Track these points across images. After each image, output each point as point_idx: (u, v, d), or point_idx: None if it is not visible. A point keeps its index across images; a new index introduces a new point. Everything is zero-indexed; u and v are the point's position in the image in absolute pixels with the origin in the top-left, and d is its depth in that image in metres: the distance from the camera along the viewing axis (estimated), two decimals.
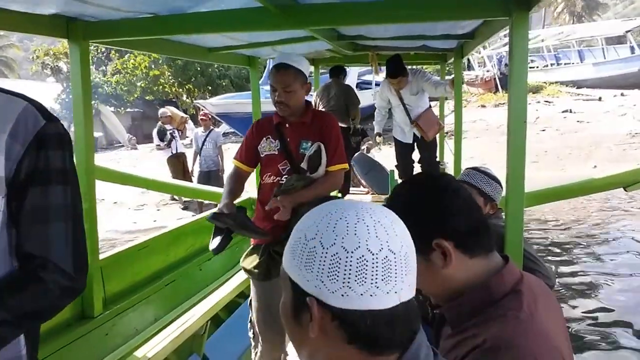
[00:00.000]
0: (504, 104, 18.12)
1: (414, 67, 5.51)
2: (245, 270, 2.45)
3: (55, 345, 2.36)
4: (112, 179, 3.41)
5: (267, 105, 5.31)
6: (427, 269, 0.99)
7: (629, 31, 22.12)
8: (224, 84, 19.49)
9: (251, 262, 2.40)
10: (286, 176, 2.33)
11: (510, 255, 1.08)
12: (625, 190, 3.46)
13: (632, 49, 21.64)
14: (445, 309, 1.03)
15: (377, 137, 5.77)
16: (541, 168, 10.92)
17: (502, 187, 2.15)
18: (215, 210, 2.29)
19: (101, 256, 2.78)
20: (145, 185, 4.59)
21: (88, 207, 2.40)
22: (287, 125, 2.37)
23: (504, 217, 2.07)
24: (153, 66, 19.83)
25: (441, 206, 1.01)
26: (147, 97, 21.14)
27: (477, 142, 13.09)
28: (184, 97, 20.29)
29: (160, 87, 20.14)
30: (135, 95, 20.82)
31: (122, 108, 21.96)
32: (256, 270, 2.36)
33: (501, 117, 14.54)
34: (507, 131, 2.00)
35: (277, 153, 2.36)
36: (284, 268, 0.69)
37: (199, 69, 19.33)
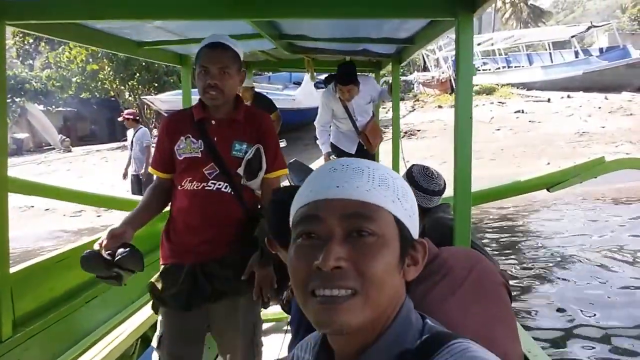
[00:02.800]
0: None
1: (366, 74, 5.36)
2: (156, 296, 2.08)
3: None
4: (28, 192, 3.17)
5: None
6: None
7: (573, 36, 23.63)
8: (171, 80, 18.80)
9: (167, 286, 2.04)
10: (214, 182, 2.02)
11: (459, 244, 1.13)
12: (549, 191, 3.75)
13: (576, 53, 23.12)
14: None
15: (329, 157, 5.02)
16: (498, 166, 11.43)
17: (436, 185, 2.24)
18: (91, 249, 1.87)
19: (11, 270, 2.56)
20: (57, 196, 4.16)
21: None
22: (212, 122, 2.06)
23: (450, 210, 2.21)
24: (91, 60, 18.78)
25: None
26: (82, 95, 20.26)
27: (435, 141, 13.70)
28: (126, 95, 19.47)
29: (99, 83, 19.19)
30: (70, 92, 19.88)
31: (54, 106, 20.99)
32: (174, 298, 2.02)
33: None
34: (454, 129, 2.09)
35: (200, 155, 2.03)
36: (382, 220, 0.71)
37: (143, 64, 18.60)
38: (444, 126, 15.23)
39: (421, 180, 2.21)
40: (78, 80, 19.27)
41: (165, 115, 12.69)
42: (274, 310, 3.60)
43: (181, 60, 3.96)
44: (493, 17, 45.15)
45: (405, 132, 14.28)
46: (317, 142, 5.02)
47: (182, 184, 2.05)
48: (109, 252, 1.82)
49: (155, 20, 2.67)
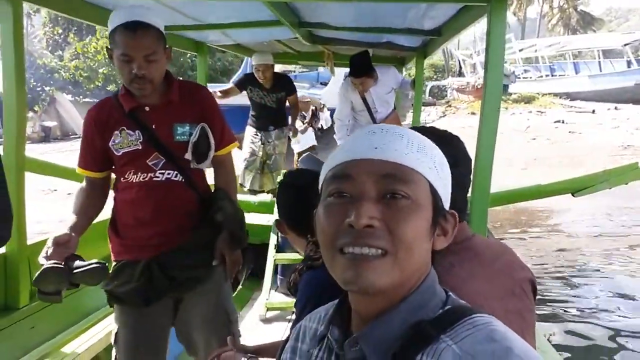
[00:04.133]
0: None
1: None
2: (111, 294, 1.97)
3: None
4: (43, 171, 3.35)
5: (241, 99, 5.39)
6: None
7: (627, 44, 22.76)
8: (195, 76, 19.28)
9: (122, 283, 1.93)
10: (161, 171, 1.89)
11: None
12: (574, 196, 3.68)
13: (629, 63, 22.33)
14: None
15: None
16: (530, 175, 11.28)
17: None
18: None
19: (29, 242, 2.74)
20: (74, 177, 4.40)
21: (17, 198, 2.35)
22: (146, 108, 1.89)
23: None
24: None
25: None
26: (109, 88, 20.86)
27: None
28: None
29: None
30: (97, 83, 20.53)
31: (81, 96, 21.66)
32: (130, 295, 1.93)
33: None
34: (479, 125, 2.10)
35: (140, 147, 1.87)
36: (418, 185, 0.73)
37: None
38: (476, 134, 15.02)
39: None
40: (104, 72, 19.90)
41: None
42: (279, 299, 3.72)
43: (197, 47, 4.04)
44: (538, 23, 44.38)
45: None
46: (334, 137, 4.87)
47: (125, 176, 1.93)
48: (59, 264, 1.66)
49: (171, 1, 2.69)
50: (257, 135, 5.19)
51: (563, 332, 4.58)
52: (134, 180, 1.91)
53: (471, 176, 1.25)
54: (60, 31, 23.20)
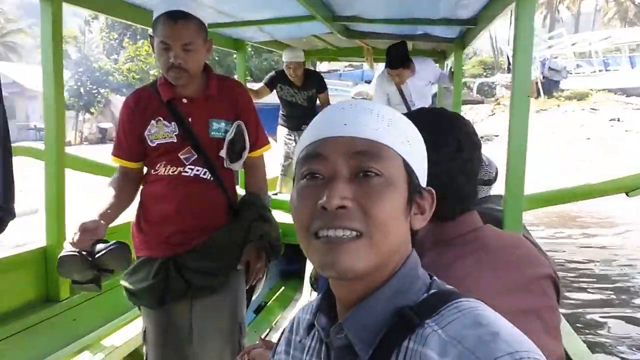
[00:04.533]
0: (545, 110, 17.92)
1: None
2: (129, 291, 1.95)
3: (14, 328, 2.38)
4: (82, 168, 3.43)
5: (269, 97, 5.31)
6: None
7: None
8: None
9: (139, 281, 1.90)
10: (191, 167, 1.87)
11: None
12: (628, 196, 3.35)
13: None
14: None
15: None
16: (582, 176, 10.80)
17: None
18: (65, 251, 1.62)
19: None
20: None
21: (57, 193, 2.40)
22: (184, 100, 1.87)
23: (498, 202, 2.10)
24: None
25: None
26: None
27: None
28: None
29: None
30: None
31: None
32: (146, 293, 1.89)
33: (540, 123, 14.37)
34: (509, 121, 1.99)
35: (175, 140, 1.85)
36: (391, 163, 0.70)
37: (216, 58, 19.45)
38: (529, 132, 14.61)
39: None
40: (155, 73, 20.50)
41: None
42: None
43: (235, 45, 4.03)
44: (593, 17, 42.72)
45: (481, 137, 13.79)
46: None
47: (156, 168, 1.90)
48: (84, 251, 1.61)
49: None
50: (290, 135, 5.06)
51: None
52: (163, 173, 1.88)
53: (486, 165, 1.14)
54: (115, 36, 24.05)
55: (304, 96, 4.90)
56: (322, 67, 13.93)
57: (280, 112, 5.13)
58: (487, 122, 16.74)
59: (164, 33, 1.75)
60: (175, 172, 1.86)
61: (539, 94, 19.07)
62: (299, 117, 4.95)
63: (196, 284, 1.89)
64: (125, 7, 2.80)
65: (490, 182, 2.11)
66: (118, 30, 25.30)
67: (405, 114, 1.05)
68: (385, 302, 0.69)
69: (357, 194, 0.67)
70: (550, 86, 20.48)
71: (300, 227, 0.70)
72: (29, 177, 4.84)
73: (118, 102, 22.26)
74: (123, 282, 1.94)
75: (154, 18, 1.80)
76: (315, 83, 4.91)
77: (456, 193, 1.03)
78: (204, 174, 1.87)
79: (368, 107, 0.72)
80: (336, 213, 0.66)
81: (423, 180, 0.76)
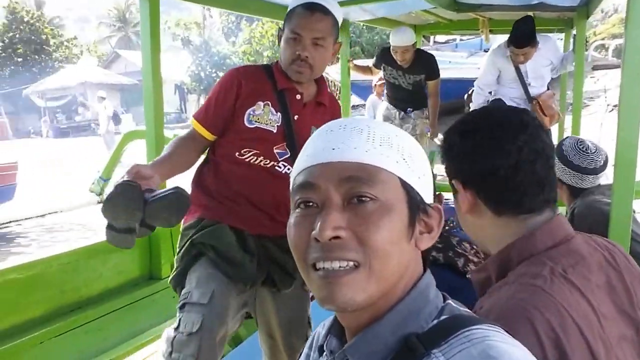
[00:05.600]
0: None
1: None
2: (225, 259, 1.71)
3: (120, 303, 2.56)
4: None
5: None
6: (456, 207, 1.02)
7: None
8: (355, 51, 19.56)
9: (236, 249, 1.73)
10: (285, 164, 1.76)
11: (616, 237, 1.03)
12: None
13: None
14: (473, 273, 1.03)
15: None
16: None
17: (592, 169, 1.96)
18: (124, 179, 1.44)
19: None
20: None
21: None
22: (297, 96, 1.79)
23: (608, 193, 1.90)
24: None
25: (459, 142, 0.99)
26: None
27: None
28: None
29: None
30: None
31: None
32: (237, 268, 1.71)
33: None
34: (619, 93, 1.77)
35: (275, 131, 1.75)
36: (385, 180, 0.67)
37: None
38: None
39: (572, 155, 1.97)
40: (269, 55, 21.11)
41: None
42: None
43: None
44: None
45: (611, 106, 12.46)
46: (471, 104, 4.39)
47: (242, 152, 1.76)
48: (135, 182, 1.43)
49: None
50: (392, 109, 4.73)
51: None
52: (254, 162, 1.76)
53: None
54: (233, 19, 25.01)
55: (409, 80, 4.52)
56: (439, 36, 13.38)
57: (385, 90, 4.86)
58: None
59: (297, 23, 1.69)
60: (269, 165, 1.76)
61: None
62: (402, 100, 4.65)
63: (288, 272, 1.80)
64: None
65: (596, 171, 1.98)
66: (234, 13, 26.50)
67: (467, 114, 1.05)
68: (391, 329, 0.66)
69: (352, 222, 0.64)
70: None
71: (297, 258, 0.68)
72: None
73: None
74: (206, 242, 1.70)
75: (290, 8, 1.76)
76: (425, 68, 4.47)
77: (529, 175, 0.95)
78: None
79: (358, 127, 0.69)
80: (331, 244, 0.63)
81: (428, 196, 0.72)
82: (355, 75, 4.79)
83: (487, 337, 0.61)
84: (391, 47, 4.33)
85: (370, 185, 0.65)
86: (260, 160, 1.75)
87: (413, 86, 4.53)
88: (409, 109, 4.65)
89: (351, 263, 0.64)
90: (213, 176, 1.82)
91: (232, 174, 1.79)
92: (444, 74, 4.62)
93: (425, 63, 4.48)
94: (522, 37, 3.71)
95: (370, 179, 0.65)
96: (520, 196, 0.95)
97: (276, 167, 1.76)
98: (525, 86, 4.08)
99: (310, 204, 0.67)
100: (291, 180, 0.73)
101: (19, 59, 34.35)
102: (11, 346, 1.99)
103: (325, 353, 0.76)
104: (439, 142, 4.85)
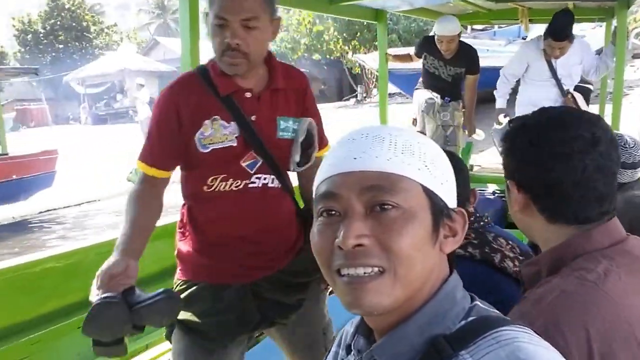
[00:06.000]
0: None
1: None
2: (187, 326, 1.56)
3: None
4: None
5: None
6: (509, 203, 1.05)
7: None
8: (391, 39, 19.42)
9: (204, 314, 1.55)
10: (257, 176, 1.53)
11: None
12: None
13: None
14: (523, 267, 1.04)
15: (501, 117, 4.33)
16: None
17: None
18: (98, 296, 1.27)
19: None
20: None
21: None
22: (247, 94, 1.50)
23: None
24: (317, 21, 20.54)
25: (526, 149, 0.99)
26: (314, 57, 22.11)
27: None
28: (349, 55, 20.71)
29: (324, 44, 20.81)
30: (299, 53, 21.88)
31: None
32: (214, 328, 1.55)
33: None
34: None
35: (236, 144, 1.49)
36: (406, 189, 0.67)
37: (365, 23, 19.50)
38: None
39: None
40: (306, 42, 21.11)
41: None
42: None
43: (377, 16, 3.98)
44: None
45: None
46: (495, 93, 4.34)
47: (209, 182, 1.51)
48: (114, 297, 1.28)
49: None
50: (435, 95, 4.56)
51: None
52: (224, 189, 1.51)
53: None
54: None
55: (450, 72, 4.41)
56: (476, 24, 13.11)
57: (421, 79, 4.70)
58: None
59: (220, 5, 1.39)
60: (241, 186, 1.51)
61: None
62: (439, 89, 4.50)
63: (277, 313, 1.62)
64: None
65: (635, 165, 1.99)
66: None
67: (539, 116, 1.03)
68: (418, 330, 0.67)
69: (375, 230, 0.65)
70: None
71: (322, 264, 0.70)
72: None
73: None
74: (185, 316, 1.54)
75: None
76: (467, 61, 4.38)
77: (591, 192, 0.95)
78: (272, 181, 1.56)
79: (380, 136, 0.69)
80: (354, 252, 0.65)
81: (452, 201, 0.73)
82: (393, 64, 4.76)
83: (516, 338, 0.61)
84: (436, 37, 4.22)
85: (393, 193, 0.66)
86: (230, 184, 1.51)
87: (453, 78, 4.44)
88: (447, 98, 4.50)
89: (376, 269, 0.65)
90: (188, 228, 1.62)
91: (203, 216, 1.58)
92: (481, 62, 4.50)
93: (467, 56, 4.38)
94: (562, 30, 3.68)
95: (392, 187, 0.66)
96: (576, 209, 0.95)
97: (249, 186, 1.52)
98: (558, 80, 4.02)
99: (333, 212, 0.68)
100: (314, 189, 0.73)
101: (60, 46, 35.33)
102: (54, 329, 2.08)
103: (352, 352, 0.78)
104: (478, 138, 4.75)
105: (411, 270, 0.66)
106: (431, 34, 4.48)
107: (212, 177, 1.50)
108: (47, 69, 32.29)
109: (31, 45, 35.42)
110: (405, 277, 0.65)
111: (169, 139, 1.50)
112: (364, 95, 21.90)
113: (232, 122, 1.48)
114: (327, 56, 21.67)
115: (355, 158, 0.67)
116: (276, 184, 1.57)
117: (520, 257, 1.36)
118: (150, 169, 1.52)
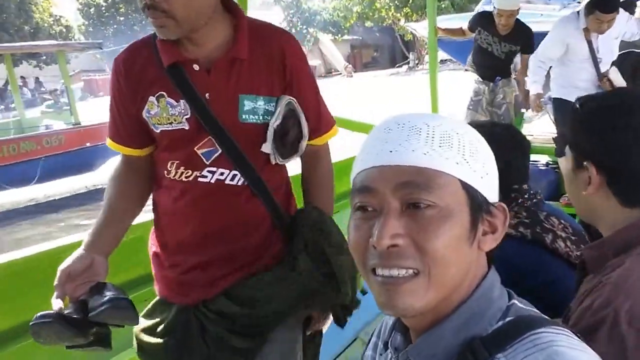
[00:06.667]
0: None
1: None
2: (139, 346, 1.36)
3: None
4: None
5: None
6: (573, 182, 1.05)
7: None
8: (443, 5, 19.32)
9: (153, 332, 1.33)
10: (211, 169, 1.24)
11: None
12: None
13: None
14: (586, 250, 1.04)
15: (538, 100, 4.11)
16: None
17: None
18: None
19: None
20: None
21: None
22: (195, 67, 1.21)
23: None
24: None
25: (609, 132, 0.97)
26: (366, 24, 22.26)
27: None
28: (401, 22, 20.75)
29: (376, 11, 20.97)
30: (351, 21, 22.08)
31: (340, 35, 23.59)
32: (157, 348, 1.32)
33: None
34: None
35: (187, 127, 1.23)
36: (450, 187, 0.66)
37: None
38: None
39: None
40: (358, 10, 21.23)
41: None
42: None
43: None
44: None
45: None
46: (526, 78, 4.19)
47: (168, 167, 1.28)
48: (75, 303, 1.14)
49: None
50: (480, 80, 4.53)
51: None
52: (174, 177, 1.27)
53: None
54: None
55: (504, 49, 4.28)
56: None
57: (470, 56, 4.58)
58: None
59: None
60: (190, 178, 1.25)
61: None
62: (489, 67, 4.41)
63: (220, 350, 1.29)
64: None
65: None
66: None
67: (603, 94, 1.08)
68: (454, 331, 0.67)
69: (410, 229, 0.64)
70: None
71: (357, 261, 0.69)
72: None
73: (325, 39, 23.73)
74: (135, 330, 1.36)
75: None
76: (523, 39, 4.24)
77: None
78: (232, 178, 1.25)
79: (417, 126, 0.66)
80: (389, 252, 0.64)
81: (493, 195, 0.70)
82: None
83: (554, 342, 0.60)
84: (496, 11, 4.09)
85: (429, 191, 0.64)
86: (180, 174, 1.26)
87: (506, 55, 4.35)
88: (497, 77, 4.43)
89: (410, 271, 0.64)
90: (154, 220, 1.38)
91: (162, 209, 1.34)
92: (534, 27, 4.35)
93: (523, 34, 4.26)
94: (613, 0, 3.34)
95: (429, 184, 0.64)
96: None
97: (199, 179, 1.25)
98: (597, 64, 3.72)
99: (368, 208, 0.67)
100: (351, 179, 0.72)
101: (121, 18, 36.43)
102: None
103: (389, 350, 0.79)
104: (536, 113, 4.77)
105: (446, 272, 0.64)
106: (489, 8, 4.37)
107: (168, 162, 1.27)
108: (110, 40, 33.44)
109: (94, 18, 36.63)
110: (439, 278, 0.64)
111: (123, 115, 1.29)
112: (417, 62, 21.89)
113: (181, 101, 1.22)
114: (380, 23, 21.77)
115: (391, 151, 0.66)
116: (239, 181, 1.26)
117: (573, 237, 1.32)
118: (121, 147, 1.32)
